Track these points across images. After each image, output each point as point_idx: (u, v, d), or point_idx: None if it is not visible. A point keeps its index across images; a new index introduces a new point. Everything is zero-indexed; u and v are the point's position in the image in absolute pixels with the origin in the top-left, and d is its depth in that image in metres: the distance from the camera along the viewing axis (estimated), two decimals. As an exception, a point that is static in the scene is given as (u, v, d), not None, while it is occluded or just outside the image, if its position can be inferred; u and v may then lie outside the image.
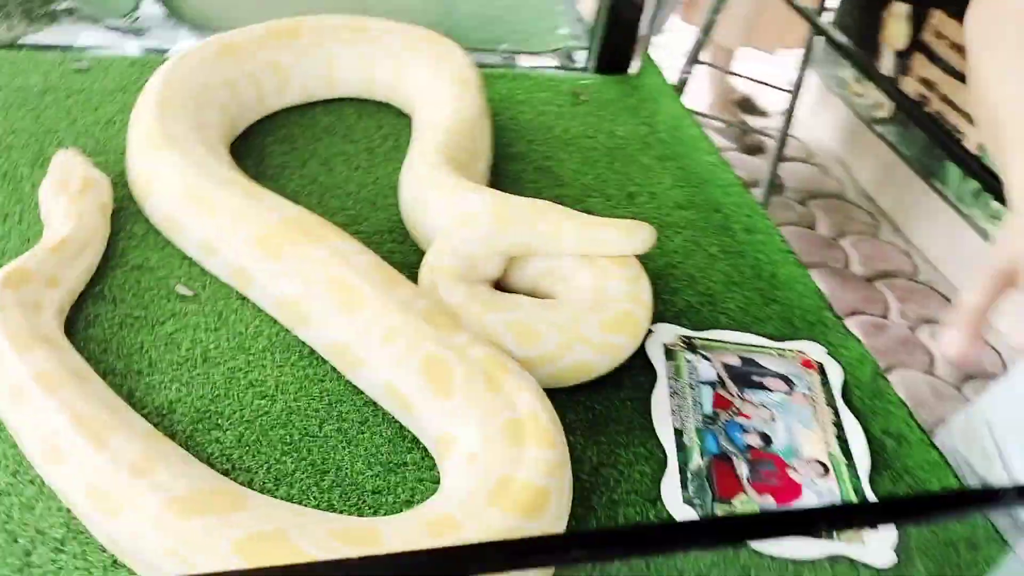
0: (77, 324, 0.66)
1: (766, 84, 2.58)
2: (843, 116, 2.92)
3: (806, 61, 2.40)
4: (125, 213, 0.76)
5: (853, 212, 2.71)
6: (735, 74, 2.69)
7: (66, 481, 0.52)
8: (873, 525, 0.62)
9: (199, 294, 0.70)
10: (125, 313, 0.67)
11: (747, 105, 3.04)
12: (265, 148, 0.87)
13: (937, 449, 0.68)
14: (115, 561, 0.51)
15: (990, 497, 0.41)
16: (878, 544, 0.61)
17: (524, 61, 1.20)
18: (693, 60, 2.47)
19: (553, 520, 0.53)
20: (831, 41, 1.15)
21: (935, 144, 2.35)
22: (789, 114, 2.47)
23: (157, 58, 0.94)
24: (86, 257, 0.68)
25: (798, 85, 2.44)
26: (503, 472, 0.53)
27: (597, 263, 0.71)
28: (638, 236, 0.71)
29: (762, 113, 3.03)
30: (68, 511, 0.53)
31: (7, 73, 0.91)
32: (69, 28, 1.01)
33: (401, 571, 0.29)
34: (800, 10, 1.26)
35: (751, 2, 2.62)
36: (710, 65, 2.66)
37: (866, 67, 2.29)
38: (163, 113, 0.77)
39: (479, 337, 0.62)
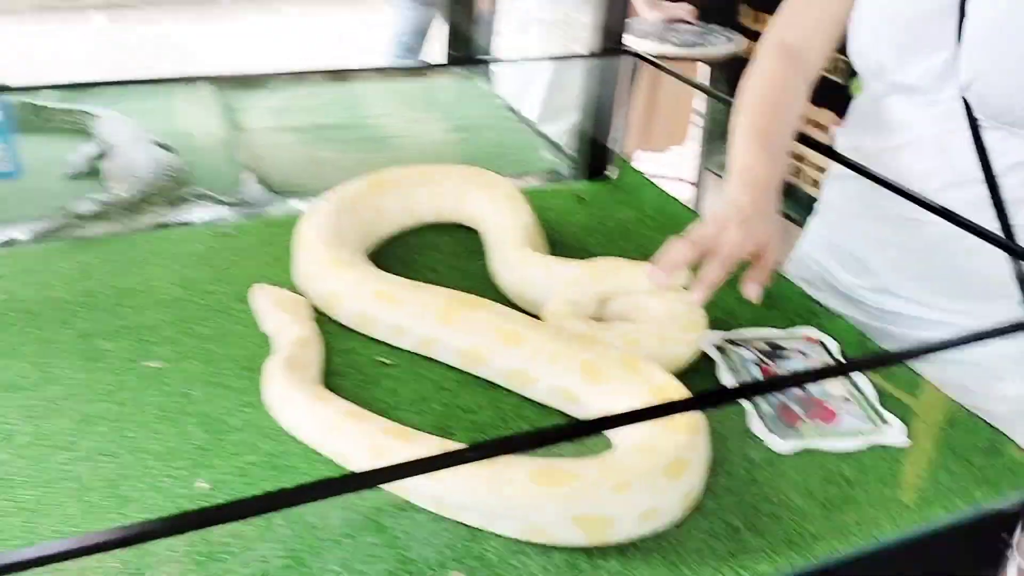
0: (328, 392, 0.93)
1: (668, 178, 3.03)
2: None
3: (704, 154, 2.86)
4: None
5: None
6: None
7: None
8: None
9: (396, 362, 0.98)
10: (354, 381, 0.95)
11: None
12: (384, 267, 1.17)
13: (917, 373, 1.01)
14: (436, 516, 0.78)
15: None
16: (894, 432, 0.93)
17: (522, 182, 1.54)
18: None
19: (704, 437, 0.83)
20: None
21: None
22: (697, 199, 2.91)
23: (284, 218, 1.24)
24: (319, 348, 0.96)
25: (700, 174, 2.89)
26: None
27: (661, 295, 1.03)
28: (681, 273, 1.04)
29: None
30: (390, 494, 0.80)
31: (176, 244, 1.19)
32: (196, 208, 1.30)
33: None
34: (710, 92, 1.66)
35: (642, 115, 3.10)
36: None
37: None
38: (328, 247, 1.06)
39: (608, 346, 0.93)
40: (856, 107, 1.20)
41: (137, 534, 0.50)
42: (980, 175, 1.03)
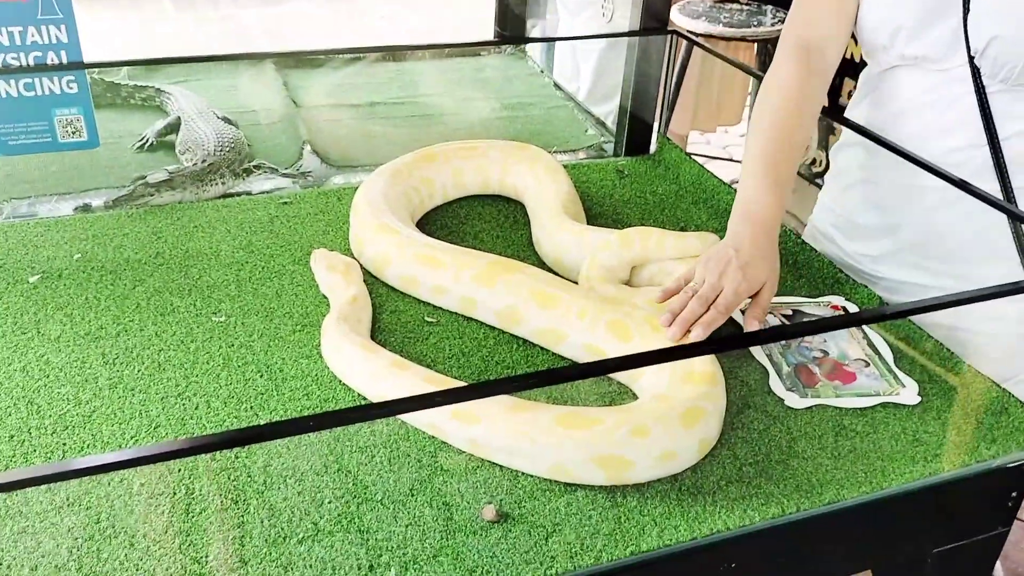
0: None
1: (720, 158, 3.05)
2: (789, 176, 3.40)
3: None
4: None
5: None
6: (696, 154, 3.16)
7: (430, 413, 0.86)
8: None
9: (440, 320, 1.06)
10: (402, 336, 1.03)
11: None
12: (433, 234, 1.24)
13: (934, 339, 1.05)
14: (471, 456, 0.86)
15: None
16: (907, 392, 0.98)
17: (567, 157, 1.60)
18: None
19: (720, 390, 0.89)
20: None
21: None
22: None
23: (340, 189, 1.32)
24: (368, 306, 1.04)
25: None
26: (686, 368, 0.89)
27: (687, 261, 1.09)
28: (710, 240, 1.09)
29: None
30: (431, 437, 0.87)
31: (240, 211, 1.28)
32: (258, 179, 1.40)
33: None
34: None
35: (694, 94, 3.12)
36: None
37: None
38: (377, 215, 1.14)
39: (635, 307, 0.99)
40: (865, 80, 1.23)
41: (188, 448, 0.59)
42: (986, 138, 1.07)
